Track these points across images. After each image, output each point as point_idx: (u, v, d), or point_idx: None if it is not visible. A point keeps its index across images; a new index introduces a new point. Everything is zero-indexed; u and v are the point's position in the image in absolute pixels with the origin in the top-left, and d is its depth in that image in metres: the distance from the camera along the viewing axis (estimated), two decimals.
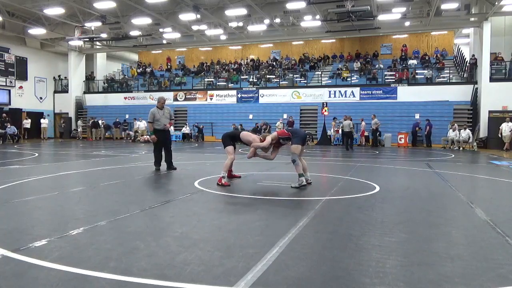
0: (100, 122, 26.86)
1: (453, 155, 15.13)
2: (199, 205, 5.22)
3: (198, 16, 20.96)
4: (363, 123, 21.37)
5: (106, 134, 27.57)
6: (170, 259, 2.98)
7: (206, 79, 29.43)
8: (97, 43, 29.26)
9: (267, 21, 23.26)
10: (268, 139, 6.76)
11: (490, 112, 20.07)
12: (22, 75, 27.67)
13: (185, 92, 28.06)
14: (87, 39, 26.47)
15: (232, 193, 6.03)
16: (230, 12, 21.44)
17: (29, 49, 28.20)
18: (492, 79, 20.54)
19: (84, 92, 30.69)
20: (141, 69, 32.53)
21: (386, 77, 24.86)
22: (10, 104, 26.59)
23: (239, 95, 26.66)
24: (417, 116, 22.04)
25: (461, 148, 18.97)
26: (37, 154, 13.89)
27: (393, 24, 23.72)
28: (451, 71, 24.16)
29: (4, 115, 23.55)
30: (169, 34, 25.76)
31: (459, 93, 22.21)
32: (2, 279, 2.59)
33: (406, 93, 23.21)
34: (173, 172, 8.73)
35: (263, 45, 31.46)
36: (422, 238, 3.69)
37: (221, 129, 23.63)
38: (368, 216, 4.56)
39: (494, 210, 5.01)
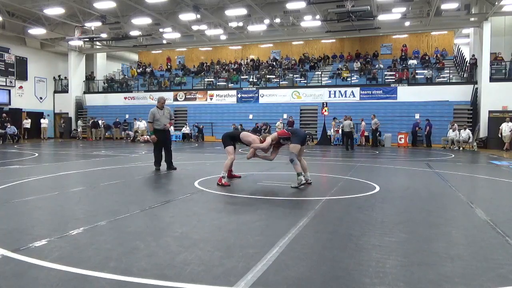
0: (100, 122, 26.87)
1: (453, 155, 15.13)
2: (199, 205, 5.22)
3: (198, 16, 20.97)
4: (363, 123, 21.38)
5: (106, 134, 27.58)
6: (170, 259, 2.98)
7: (206, 79, 29.44)
8: (97, 43, 29.27)
9: (267, 21, 23.26)
10: (268, 140, 6.76)
11: (490, 112, 20.07)
12: (22, 75, 27.67)
13: (185, 92, 28.07)
14: (87, 39, 26.47)
15: (232, 193, 6.03)
16: (230, 12, 21.44)
17: (29, 49, 28.20)
18: (492, 79, 20.54)
19: (84, 92, 30.69)
20: (141, 69, 32.53)
21: (386, 77, 24.86)
22: (10, 104, 26.60)
23: (239, 95, 26.66)
24: (417, 116, 22.04)
25: (461, 148, 18.97)
26: (37, 154, 13.89)
27: (393, 24, 23.72)
28: (451, 71, 24.16)
29: (4, 115, 23.56)
30: (169, 34, 25.76)
31: (459, 93, 22.22)
32: (2, 279, 2.59)
33: (406, 93, 23.21)
34: (173, 172, 8.73)
35: (263, 45, 31.46)
36: (422, 238, 3.69)
37: (221, 129, 23.64)
38: (368, 216, 4.56)
39: (494, 210, 5.01)
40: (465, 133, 19.10)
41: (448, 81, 23.67)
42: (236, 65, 30.46)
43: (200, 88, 28.49)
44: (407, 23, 24.62)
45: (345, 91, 24.34)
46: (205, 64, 31.50)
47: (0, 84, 26.13)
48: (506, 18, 21.73)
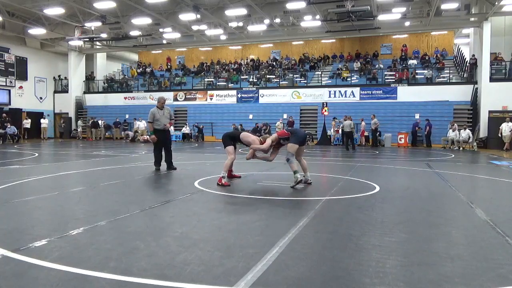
0: (100, 122, 26.87)
1: (453, 155, 15.14)
2: (199, 205, 5.22)
3: (198, 16, 20.97)
4: (363, 123, 21.38)
5: (106, 134, 27.58)
6: (170, 259, 2.98)
7: (206, 79, 29.44)
8: (97, 43, 29.27)
9: (267, 21, 23.27)
10: (268, 141, 6.76)
11: (490, 112, 20.07)
12: (22, 75, 27.67)
13: (185, 92, 28.07)
14: (87, 39, 26.47)
15: (232, 193, 6.03)
16: (230, 12, 21.44)
17: (29, 49, 28.20)
18: (492, 79, 20.54)
19: (84, 92, 30.69)
20: (141, 69, 32.53)
21: (386, 77, 24.86)
22: (10, 104, 26.60)
23: (239, 95, 26.66)
24: (417, 116, 22.05)
25: (461, 148, 18.97)
26: (37, 154, 13.89)
27: (393, 24, 23.72)
28: (451, 71, 24.17)
29: (4, 115, 23.56)
30: (169, 34, 25.76)
31: (459, 93, 22.22)
32: (2, 279, 2.59)
33: (406, 93, 23.21)
34: (173, 172, 8.73)
35: (263, 45, 31.46)
36: (422, 238, 3.69)
37: (221, 129, 23.64)
38: (368, 216, 4.56)
39: (494, 210, 5.01)
40: (465, 133, 19.10)
41: (448, 81, 23.68)
42: (236, 65, 30.46)
43: (200, 88, 28.49)
44: (407, 23, 24.62)
45: (345, 91, 24.34)
46: (205, 64, 31.50)
47: (0, 84, 26.13)
48: (506, 18, 21.73)
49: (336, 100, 24.21)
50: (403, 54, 26.83)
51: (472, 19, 21.99)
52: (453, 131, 19.55)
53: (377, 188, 6.55)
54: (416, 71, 24.47)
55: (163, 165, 9.15)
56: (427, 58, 26.00)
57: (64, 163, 11.37)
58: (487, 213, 4.72)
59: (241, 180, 7.37)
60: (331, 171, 9.35)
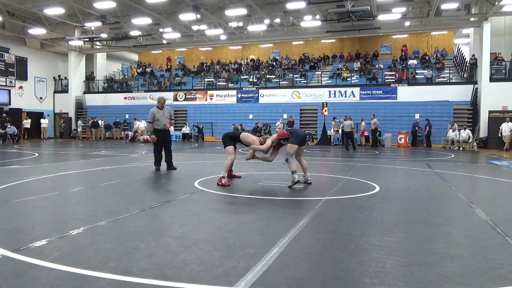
0: (100, 122, 26.87)
1: (453, 155, 15.14)
2: (199, 205, 5.22)
3: (198, 16, 20.97)
4: (363, 123, 21.38)
5: (106, 134, 27.59)
6: (170, 259, 2.98)
7: (206, 79, 29.44)
8: (97, 43, 29.27)
9: (267, 21, 23.26)
10: (268, 142, 6.76)
11: (490, 112, 20.07)
12: (22, 75, 27.67)
13: (185, 92, 28.07)
14: (87, 39, 26.47)
15: (232, 193, 6.03)
16: (230, 12, 21.44)
17: (29, 49, 28.20)
18: (492, 79, 20.54)
19: (84, 92, 30.69)
20: (141, 69, 32.53)
21: (386, 77, 24.86)
22: (10, 104, 26.60)
23: (239, 95, 26.66)
24: (417, 116, 22.04)
25: (461, 148, 18.97)
26: (37, 154, 13.89)
27: (393, 24, 23.72)
28: (451, 71, 24.17)
29: (4, 115, 23.56)
30: (169, 34, 25.76)
31: (459, 93, 22.22)
32: (2, 279, 2.59)
33: (406, 93, 23.21)
34: (173, 172, 8.73)
35: (263, 45, 31.46)
36: (422, 238, 3.69)
37: (221, 129, 23.64)
38: (368, 216, 4.56)
39: (494, 210, 5.01)
40: (465, 133, 19.10)
41: (448, 81, 23.68)
42: (236, 65, 30.46)
43: (200, 88, 28.49)
44: (407, 23, 24.62)
45: (345, 91, 24.34)
46: (205, 64, 31.50)
47: (0, 84, 26.13)
48: (506, 18, 21.73)
49: (336, 100, 24.21)
50: (403, 54, 26.83)
51: (472, 19, 21.99)
52: (453, 131, 19.55)
53: (377, 188, 6.55)
54: (416, 71, 24.47)
55: (163, 165, 9.15)
56: (427, 58, 26.00)
57: (64, 163, 11.37)
58: (487, 213, 4.72)
59: (241, 180, 7.38)
60: (331, 171, 9.35)
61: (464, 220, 4.55)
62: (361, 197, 5.77)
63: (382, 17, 21.43)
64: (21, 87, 27.67)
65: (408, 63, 25.89)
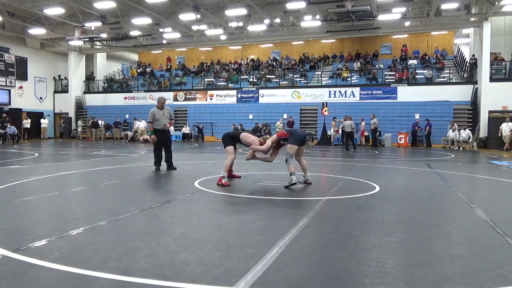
0: (100, 122, 26.87)
1: (453, 155, 15.14)
2: (199, 205, 5.22)
3: (198, 16, 20.97)
4: (363, 123, 21.38)
5: (107, 134, 27.59)
6: (170, 259, 2.98)
7: (206, 79, 29.44)
8: (97, 43, 29.27)
9: (267, 21, 23.27)
10: (268, 142, 6.75)
11: (490, 112, 20.07)
12: (22, 75, 27.67)
13: (185, 92, 28.07)
14: (87, 39, 26.47)
15: (232, 193, 6.03)
16: (230, 12, 21.44)
17: (29, 49, 28.20)
18: (492, 79, 20.54)
19: (84, 92, 30.69)
20: (141, 69, 32.54)
21: (386, 77, 24.86)
22: (10, 104, 26.59)
23: (239, 95, 26.66)
24: (417, 116, 22.04)
25: (461, 148, 18.97)
26: (37, 154, 13.89)
27: (393, 24, 23.72)
28: (451, 71, 24.16)
29: (4, 115, 23.56)
30: (169, 34, 25.76)
31: (459, 93, 22.22)
32: (2, 279, 2.59)
33: (406, 93, 23.21)
34: (173, 172, 8.73)
35: (263, 45, 31.46)
36: (422, 238, 3.69)
37: (221, 129, 23.64)
38: (368, 216, 4.56)
39: (494, 210, 5.01)
40: (465, 133, 19.10)
41: (448, 81, 23.67)
42: (236, 65, 30.46)
43: (200, 88, 28.49)
44: (407, 23, 24.62)
45: (345, 91, 24.34)
46: (205, 64, 31.50)
47: (0, 84, 26.13)
48: (506, 18, 21.73)
49: (336, 100, 24.21)
50: (403, 54, 26.83)
51: (472, 19, 21.99)
52: (453, 131, 19.55)
53: (377, 188, 6.55)
54: (416, 71, 24.47)
55: (163, 165, 9.15)
56: (427, 58, 26.00)
57: (64, 163, 11.37)
58: (487, 213, 4.72)
59: (241, 180, 7.38)
60: (331, 171, 9.35)
61: (464, 220, 4.55)
62: (361, 197, 5.77)
63: (382, 17, 21.43)
64: (21, 87, 27.67)
65: (408, 63, 25.89)
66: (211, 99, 27.34)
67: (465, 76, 23.41)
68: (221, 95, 27.12)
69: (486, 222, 4.28)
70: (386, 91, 23.61)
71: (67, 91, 30.03)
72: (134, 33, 25.97)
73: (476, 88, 21.52)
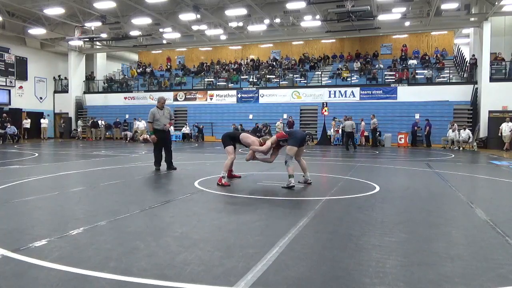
0: (100, 122, 26.87)
1: (453, 155, 15.13)
2: (199, 205, 5.22)
3: (198, 16, 20.97)
4: (363, 123, 21.38)
5: (107, 134, 27.60)
6: (170, 259, 2.98)
7: (206, 79, 29.44)
8: (97, 43, 29.27)
9: (267, 21, 23.26)
10: (268, 143, 6.74)
11: (490, 112, 20.07)
12: (22, 75, 27.67)
13: (185, 92, 28.07)
14: (87, 39, 26.47)
15: (232, 193, 6.03)
16: (230, 12, 21.44)
17: (29, 49, 28.20)
18: (492, 79, 20.54)
19: (84, 92, 30.69)
20: (141, 69, 32.53)
21: (386, 77, 24.86)
22: (10, 104, 26.59)
23: (239, 95, 26.66)
24: (417, 116, 22.04)
25: (461, 148, 18.97)
26: (37, 154, 13.89)
27: (393, 24, 23.72)
28: (451, 71, 24.16)
29: (4, 115, 23.55)
30: (169, 34, 25.76)
31: (459, 93, 22.22)
32: (2, 279, 2.59)
33: (406, 93, 23.21)
34: (173, 172, 8.73)
35: (263, 45, 31.46)
36: (422, 238, 3.69)
37: (221, 129, 23.63)
38: (368, 216, 4.56)
39: (494, 210, 5.01)
40: (465, 133, 19.10)
41: (448, 81, 23.67)
42: (236, 65, 30.46)
43: (200, 88, 28.49)
44: (407, 23, 24.62)
45: (345, 91, 24.34)
46: (205, 64, 31.50)
47: (0, 84, 26.13)
48: (506, 18, 21.73)
49: (336, 100, 24.21)
50: (403, 54, 26.83)
51: (472, 19, 21.99)
52: (453, 131, 19.55)
53: (377, 188, 6.55)
54: (416, 71, 24.47)
55: (163, 165, 9.15)
56: (427, 58, 26.00)
57: (64, 163, 11.37)
58: (487, 213, 4.72)
59: (241, 180, 7.38)
60: (331, 171, 9.35)
61: (464, 220, 4.55)
62: (361, 197, 5.77)
63: (382, 17, 21.43)
64: (21, 87, 27.67)
65: (408, 63, 25.89)
66: (211, 99, 27.34)
67: (465, 76, 23.41)
68: (221, 95, 27.12)
69: (486, 222, 4.28)
70: (386, 91, 23.61)
71: (67, 91, 30.03)
72: (134, 33, 25.97)
73: (476, 88, 21.52)
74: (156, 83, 30.08)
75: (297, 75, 27.08)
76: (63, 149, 17.72)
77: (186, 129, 25.66)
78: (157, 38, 27.71)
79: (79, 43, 28.18)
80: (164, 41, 27.73)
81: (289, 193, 6.12)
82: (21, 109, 27.08)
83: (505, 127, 18.40)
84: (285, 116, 24.15)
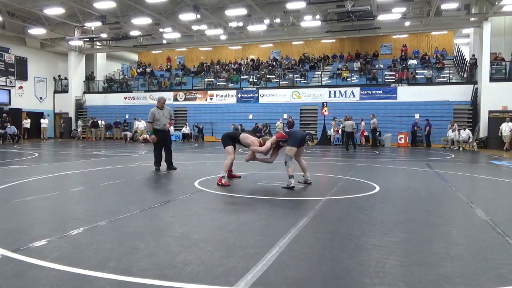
0: (100, 122, 26.87)
1: (453, 155, 15.13)
2: (199, 205, 5.21)
3: (198, 16, 20.97)
4: (363, 123, 21.38)
5: (107, 134, 27.60)
6: (170, 259, 2.98)
7: (206, 79, 29.44)
8: (97, 43, 29.27)
9: (267, 21, 23.26)
10: (268, 144, 6.74)
11: (490, 112, 20.07)
12: (22, 75, 27.67)
13: (185, 92, 28.07)
14: (87, 39, 26.47)
15: (232, 193, 6.03)
16: (230, 12, 21.44)
17: (29, 49, 28.20)
18: (492, 79, 20.54)
19: (84, 92, 30.69)
20: (141, 69, 32.54)
21: (386, 77, 24.86)
22: (10, 104, 26.59)
23: (239, 95, 26.66)
24: (417, 116, 22.04)
25: (461, 148, 18.97)
26: (37, 154, 13.89)
27: (393, 24, 23.72)
28: (451, 71, 24.16)
29: (4, 115, 23.55)
30: (169, 34, 25.76)
31: (459, 93, 22.22)
32: (2, 279, 2.59)
33: (406, 93, 23.21)
34: (173, 172, 8.73)
35: (263, 45, 31.46)
36: (422, 238, 3.69)
37: (221, 129, 23.64)
38: (368, 216, 4.56)
39: (494, 210, 5.01)
40: (465, 133, 19.10)
41: (448, 81, 23.67)
42: (236, 65, 30.46)
43: (200, 88, 28.49)
44: (407, 23, 24.62)
45: (345, 91, 24.34)
46: (205, 64, 31.50)
47: (0, 84, 26.13)
48: (506, 18, 21.73)
49: (336, 100, 24.21)
50: (403, 54, 26.83)
51: (472, 19, 21.99)
52: (453, 131, 19.55)
53: (377, 188, 6.54)
54: (416, 71, 24.47)
55: (163, 165, 9.15)
56: (427, 58, 26.00)
57: (64, 163, 11.37)
58: (487, 213, 4.72)
59: (241, 180, 7.38)
60: (331, 171, 9.35)
61: (464, 220, 4.55)
62: (361, 197, 5.77)
63: (382, 17, 21.43)
64: (21, 87, 27.67)
65: (408, 63, 25.89)
66: (211, 99, 27.34)
67: (465, 76, 23.41)
68: (221, 95, 27.12)
69: (486, 222, 4.28)
70: (386, 91, 23.61)
71: (67, 91, 30.03)
72: (134, 33, 25.97)
73: (476, 88, 21.52)
74: (156, 83, 30.08)
75: (297, 75, 27.08)
76: (63, 149, 17.71)
77: (186, 129, 25.66)
78: (157, 38, 27.71)
79: (79, 43, 28.17)
80: (164, 41, 27.73)
81: (289, 193, 6.12)
82: (21, 109, 27.09)
83: (505, 127, 18.40)
84: (285, 116, 24.15)
